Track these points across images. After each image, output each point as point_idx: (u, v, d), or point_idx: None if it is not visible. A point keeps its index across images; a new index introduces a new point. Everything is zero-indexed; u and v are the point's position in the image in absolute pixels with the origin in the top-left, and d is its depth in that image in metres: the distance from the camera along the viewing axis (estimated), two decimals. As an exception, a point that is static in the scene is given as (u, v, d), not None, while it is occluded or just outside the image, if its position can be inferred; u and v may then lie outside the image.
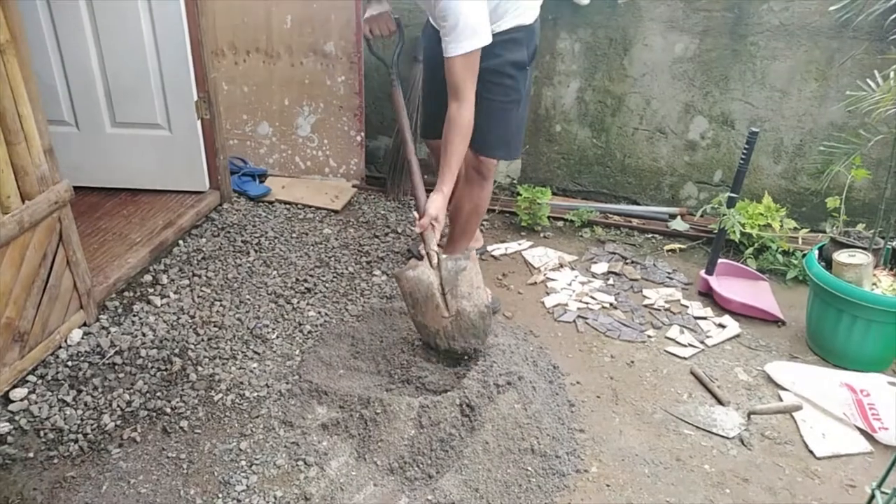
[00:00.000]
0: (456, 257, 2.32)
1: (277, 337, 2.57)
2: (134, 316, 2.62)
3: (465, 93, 2.23)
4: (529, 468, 2.00)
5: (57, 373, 2.31)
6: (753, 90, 3.31)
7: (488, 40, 2.20)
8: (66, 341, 2.44)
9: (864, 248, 2.50)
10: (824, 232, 3.09)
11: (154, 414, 2.20)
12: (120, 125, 3.22)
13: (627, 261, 3.19)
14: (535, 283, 3.00)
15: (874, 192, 3.29)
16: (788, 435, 2.22)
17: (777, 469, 2.09)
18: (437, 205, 2.29)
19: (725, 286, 2.86)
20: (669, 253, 3.30)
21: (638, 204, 3.67)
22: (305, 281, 2.90)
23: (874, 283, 2.47)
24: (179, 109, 3.20)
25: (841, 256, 2.46)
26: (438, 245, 2.37)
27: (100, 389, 2.27)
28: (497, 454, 2.00)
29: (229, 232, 3.22)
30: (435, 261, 2.30)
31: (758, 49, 3.23)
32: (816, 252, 2.64)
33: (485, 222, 3.44)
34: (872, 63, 2.94)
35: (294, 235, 3.25)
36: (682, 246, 3.34)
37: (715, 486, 2.03)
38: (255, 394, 2.30)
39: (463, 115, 2.25)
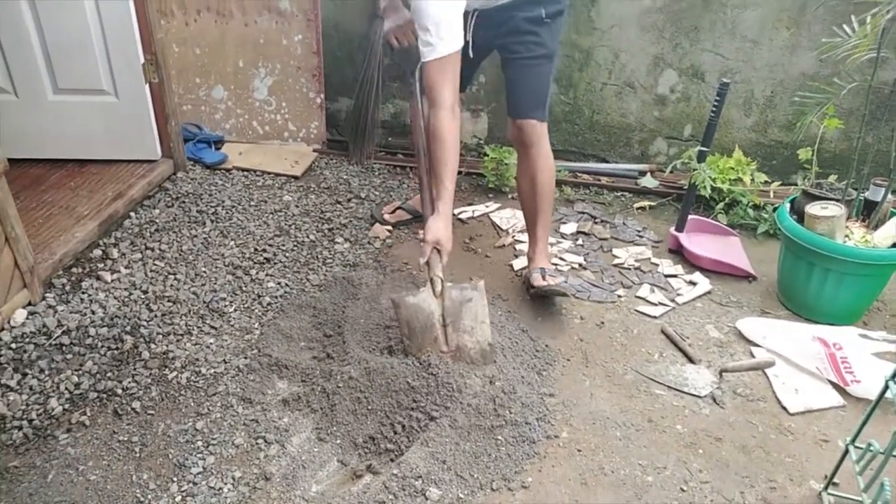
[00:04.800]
0: (462, 286, 2.10)
1: (235, 310, 2.47)
2: (82, 293, 2.49)
3: (441, 96, 2.15)
4: (499, 437, 1.93)
5: (0, 356, 2.18)
6: (724, 41, 3.21)
7: (460, 44, 2.13)
8: (9, 322, 2.30)
9: (837, 200, 2.45)
10: (795, 185, 3.03)
11: (104, 396, 2.09)
12: (63, 91, 3.04)
13: (597, 220, 3.11)
14: (504, 245, 2.92)
15: (845, 143, 3.24)
16: (761, 391, 2.18)
17: (750, 427, 2.05)
18: (436, 229, 2.12)
19: (696, 243, 2.80)
20: (639, 211, 3.23)
21: (607, 162, 3.58)
22: (264, 251, 2.78)
23: (846, 235, 2.42)
24: (125, 73, 3.03)
25: (813, 209, 2.40)
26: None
27: (46, 372, 2.15)
28: (466, 425, 1.93)
29: (184, 202, 3.08)
30: (438, 288, 2.08)
31: (727, -3, 3.12)
32: (788, 205, 2.58)
33: (451, 184, 3.33)
34: (845, 9, 2.84)
35: (252, 203, 3.12)
36: (652, 203, 3.27)
37: (688, 446, 1.98)
38: (212, 370, 2.20)
39: (440, 120, 2.16)
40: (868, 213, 2.51)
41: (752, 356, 2.31)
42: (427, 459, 1.85)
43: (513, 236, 2.96)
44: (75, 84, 3.02)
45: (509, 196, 3.29)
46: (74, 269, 2.62)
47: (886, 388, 1.65)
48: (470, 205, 3.22)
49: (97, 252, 2.72)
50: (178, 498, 1.81)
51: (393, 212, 3.01)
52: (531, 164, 2.50)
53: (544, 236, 2.59)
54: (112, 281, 2.57)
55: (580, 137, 3.58)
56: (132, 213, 2.96)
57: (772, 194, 3.09)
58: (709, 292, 2.63)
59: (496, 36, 2.40)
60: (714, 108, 2.60)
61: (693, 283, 2.67)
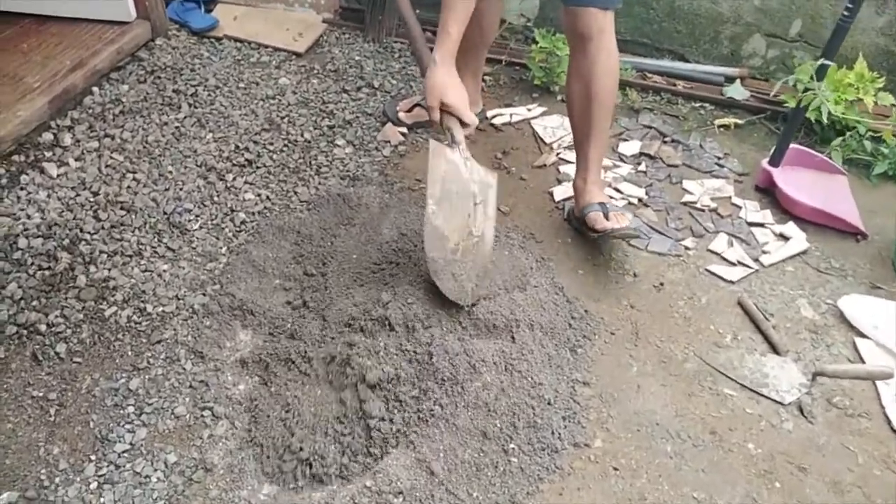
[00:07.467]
0: (485, 168, 1.78)
1: (200, 227, 1.99)
2: (20, 189, 2.04)
3: None
4: (511, 444, 1.47)
5: None
6: None
7: None
8: (-79, 223, 1.87)
9: None
10: (932, 112, 2.35)
11: (25, 332, 1.68)
12: (12, -75, 2.45)
13: (666, 139, 2.48)
14: (545, 165, 2.33)
15: None
16: (865, 404, 1.66)
17: (847, 455, 1.55)
18: (440, 84, 1.67)
19: (794, 183, 2.17)
20: (721, 130, 2.57)
21: (686, 60, 2.87)
22: (247, 149, 2.26)
23: None
24: None
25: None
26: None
27: (-40, 292, 1.73)
28: (467, 426, 1.46)
29: (159, 77, 2.53)
30: (467, 154, 1.73)
31: None
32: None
33: (487, 77, 2.69)
34: None
35: (241, 86, 2.55)
36: (739, 121, 2.59)
37: (761, 475, 1.50)
38: (160, 308, 1.76)
39: None
40: None
41: (857, 350, 1.77)
42: (412, 469, 1.42)
43: (557, 154, 2.37)
44: (26, -84, 2.41)
45: (559, 98, 2.65)
46: (15, 157, 2.15)
47: None
48: (508, 105, 2.59)
49: (47, 136, 2.23)
50: (94, 485, 1.44)
51: (410, 109, 2.42)
52: (588, 63, 1.90)
53: (598, 159, 2.00)
54: (58, 177, 2.10)
55: (654, 26, 2.86)
56: (95, 89, 2.43)
57: (896, 123, 2.41)
58: (804, 252, 2.05)
59: None
60: (849, 6, 1.90)
61: (784, 238, 2.08)
